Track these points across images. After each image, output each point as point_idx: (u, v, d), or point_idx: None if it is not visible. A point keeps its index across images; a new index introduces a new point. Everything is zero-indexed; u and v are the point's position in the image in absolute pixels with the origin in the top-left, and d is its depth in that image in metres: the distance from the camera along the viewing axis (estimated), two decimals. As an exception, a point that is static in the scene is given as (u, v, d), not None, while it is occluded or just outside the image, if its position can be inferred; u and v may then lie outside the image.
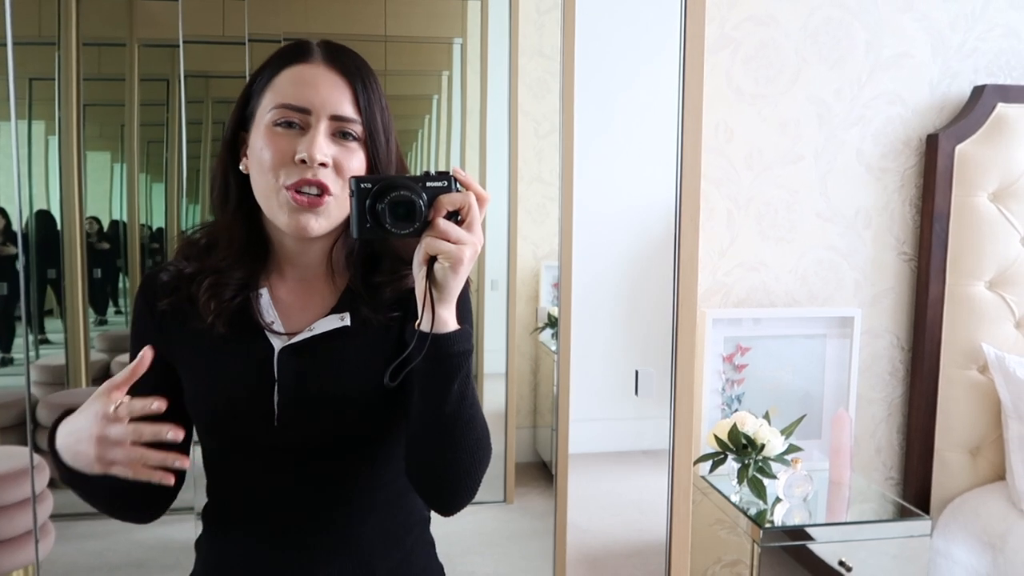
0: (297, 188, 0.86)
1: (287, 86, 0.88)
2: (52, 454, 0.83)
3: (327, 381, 0.91)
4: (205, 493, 0.99)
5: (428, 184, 0.80)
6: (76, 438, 0.80)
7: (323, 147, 0.87)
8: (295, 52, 0.90)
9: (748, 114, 2.16)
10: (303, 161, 0.86)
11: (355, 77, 0.90)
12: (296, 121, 0.87)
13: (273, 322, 0.92)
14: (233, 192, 0.93)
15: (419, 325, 0.81)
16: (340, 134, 0.89)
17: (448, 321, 0.82)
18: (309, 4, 2.33)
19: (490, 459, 0.90)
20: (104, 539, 2.28)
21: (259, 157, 0.88)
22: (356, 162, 0.89)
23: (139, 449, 0.77)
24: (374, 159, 0.91)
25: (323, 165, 0.86)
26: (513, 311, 2.50)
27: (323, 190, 0.86)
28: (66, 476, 0.83)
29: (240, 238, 0.93)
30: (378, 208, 0.80)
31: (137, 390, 0.96)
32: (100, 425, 0.78)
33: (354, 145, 0.90)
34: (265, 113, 0.88)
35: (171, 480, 0.79)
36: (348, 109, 0.89)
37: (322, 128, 0.87)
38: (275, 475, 0.93)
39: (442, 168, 0.85)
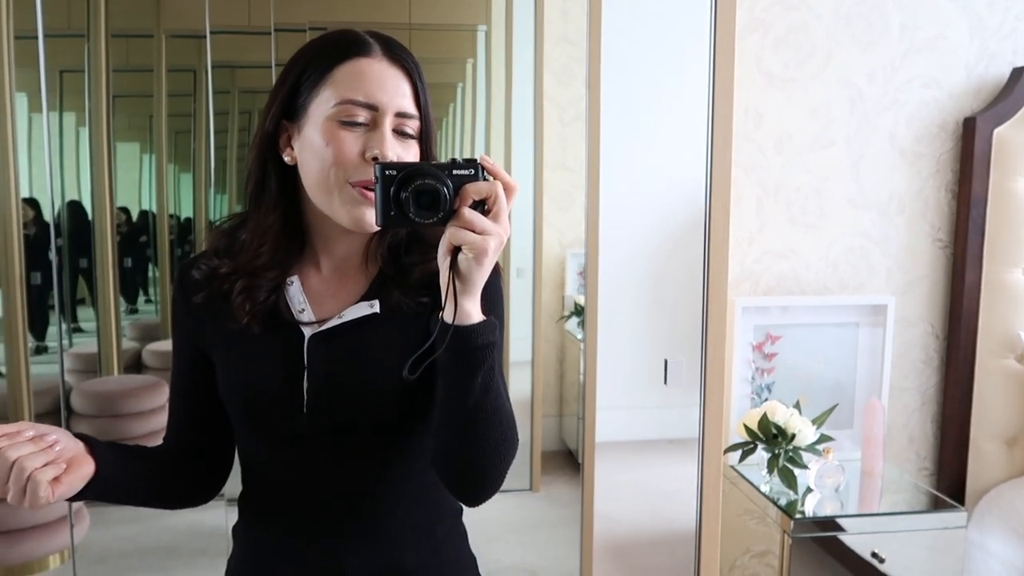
0: (365, 185, 0.86)
1: (351, 81, 0.87)
2: None
3: (356, 368, 0.91)
4: (240, 481, 1.00)
5: (454, 172, 0.78)
6: None
7: (394, 145, 0.87)
8: (352, 45, 0.88)
9: (778, 99, 2.12)
10: (375, 159, 0.85)
11: (414, 73, 0.90)
12: (362, 118, 0.87)
13: (303, 310, 0.92)
14: (273, 185, 0.92)
15: (442, 316, 0.80)
16: (400, 130, 0.89)
17: (471, 313, 0.80)
18: (334, -8, 2.33)
19: (515, 453, 0.88)
20: (137, 524, 2.32)
21: (319, 152, 0.87)
22: (413, 157, 0.90)
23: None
24: (427, 153, 0.91)
25: None
26: (539, 299, 2.50)
27: None
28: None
29: (276, 235, 0.92)
30: (402, 196, 0.78)
31: (177, 379, 1.00)
32: None
33: (411, 141, 0.90)
34: (325, 107, 0.87)
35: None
36: (411, 106, 0.89)
37: (388, 126, 0.87)
38: (305, 463, 0.93)
39: (468, 156, 0.82)
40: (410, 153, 0.89)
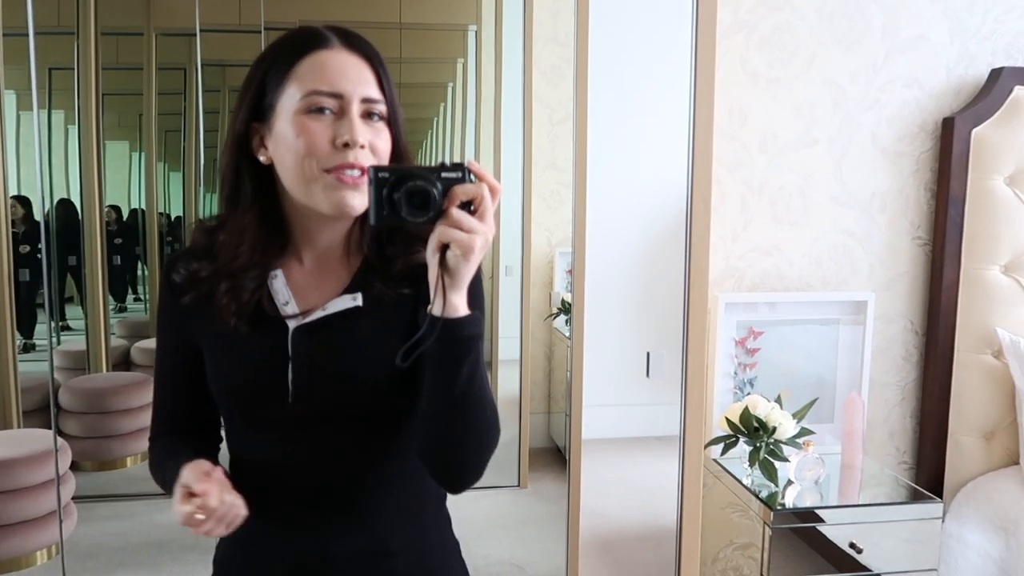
0: (341, 170, 0.89)
1: (314, 74, 0.90)
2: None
3: (339, 360, 0.93)
4: (228, 468, 1.02)
5: (443, 175, 0.83)
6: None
7: (362, 130, 0.90)
8: (311, 40, 0.91)
9: (762, 98, 2.15)
10: (345, 145, 0.88)
11: (375, 60, 0.93)
12: (328, 107, 0.89)
13: (287, 303, 0.94)
14: (248, 185, 0.95)
15: (431, 309, 0.84)
16: (367, 115, 0.92)
17: (459, 306, 0.84)
18: (324, -8, 2.35)
19: (498, 440, 0.92)
20: (125, 520, 2.33)
21: (292, 145, 0.89)
22: (384, 141, 0.93)
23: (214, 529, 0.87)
24: (397, 137, 0.95)
25: (362, 147, 0.90)
26: (527, 297, 2.51)
27: (363, 171, 0.90)
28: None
29: (255, 235, 0.95)
30: (395, 197, 0.83)
31: (167, 376, 1.03)
32: (184, 519, 0.86)
33: (380, 125, 0.93)
34: (292, 102, 0.90)
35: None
36: (375, 91, 0.92)
37: (356, 111, 0.90)
38: (292, 451, 0.95)
39: (457, 159, 0.87)
40: (381, 137, 0.92)
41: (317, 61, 0.90)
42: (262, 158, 0.94)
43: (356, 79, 0.90)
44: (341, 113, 0.90)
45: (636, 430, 2.06)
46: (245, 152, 0.94)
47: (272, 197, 0.96)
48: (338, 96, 0.89)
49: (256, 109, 0.93)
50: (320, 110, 0.89)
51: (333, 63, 0.90)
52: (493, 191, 0.83)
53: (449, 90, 2.55)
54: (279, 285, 0.95)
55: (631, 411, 2.04)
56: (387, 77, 0.93)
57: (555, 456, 2.62)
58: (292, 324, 0.93)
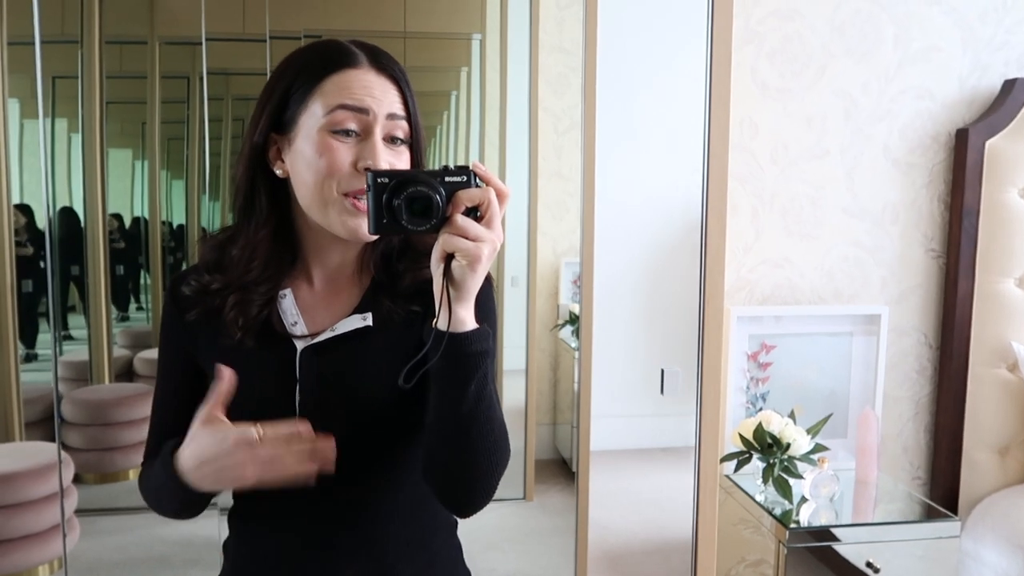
0: (359, 196, 0.86)
1: (341, 91, 0.87)
2: (174, 480, 0.87)
3: (348, 381, 0.91)
4: (231, 494, 0.99)
5: (447, 179, 0.78)
6: (217, 466, 0.83)
7: (384, 155, 0.87)
8: (339, 57, 0.89)
9: (773, 109, 2.13)
10: (367, 169, 0.85)
11: (401, 80, 0.90)
12: (354, 128, 0.87)
13: (296, 323, 0.92)
14: (263, 199, 0.92)
15: (436, 324, 0.80)
16: (390, 139, 0.89)
17: (466, 320, 0.80)
18: (330, 0, 2.33)
19: (508, 462, 0.88)
20: (127, 534, 2.30)
21: (313, 163, 0.87)
22: (404, 164, 0.90)
23: (292, 462, 0.81)
24: (418, 160, 0.92)
25: None
26: (533, 307, 2.50)
27: None
28: (183, 495, 0.88)
29: (267, 249, 0.92)
30: (395, 204, 0.78)
31: (168, 395, 0.99)
32: (247, 452, 0.81)
33: (402, 148, 0.90)
34: (315, 119, 0.87)
35: (314, 472, 0.82)
36: (400, 110, 0.89)
37: (379, 134, 0.87)
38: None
39: (461, 163, 0.82)
40: (401, 160, 0.89)
41: (344, 79, 0.87)
42: (278, 171, 0.91)
43: (382, 97, 0.88)
44: (365, 135, 0.87)
45: (643, 441, 2.04)
46: (262, 164, 0.92)
47: (286, 212, 0.93)
48: (364, 111, 0.87)
49: (277, 121, 0.90)
50: (345, 132, 0.86)
51: (360, 82, 0.87)
52: (501, 195, 0.79)
53: (453, 98, 2.54)
54: (287, 305, 0.92)
55: (638, 423, 2.03)
56: (412, 98, 0.91)
57: (561, 468, 2.60)
58: (300, 345, 0.91)
